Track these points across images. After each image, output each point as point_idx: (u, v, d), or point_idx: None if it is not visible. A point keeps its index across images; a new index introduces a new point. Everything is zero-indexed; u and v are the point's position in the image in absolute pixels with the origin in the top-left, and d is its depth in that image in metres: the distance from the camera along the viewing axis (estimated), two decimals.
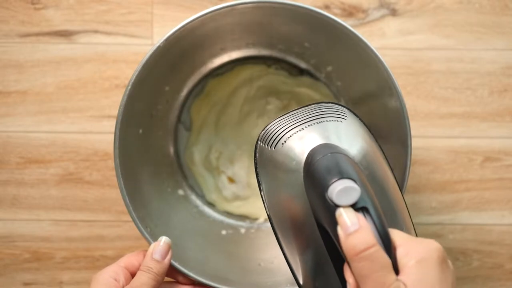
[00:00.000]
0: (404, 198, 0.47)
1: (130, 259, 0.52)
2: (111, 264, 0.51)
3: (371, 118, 0.62)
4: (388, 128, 0.57)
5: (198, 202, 0.68)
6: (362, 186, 0.40)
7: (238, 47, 0.65)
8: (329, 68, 0.64)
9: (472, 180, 0.69)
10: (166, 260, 0.50)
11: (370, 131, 0.48)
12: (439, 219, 0.69)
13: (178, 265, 0.53)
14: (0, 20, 0.68)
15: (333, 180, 0.40)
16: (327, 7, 0.68)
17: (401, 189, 0.53)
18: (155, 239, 0.52)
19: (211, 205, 0.68)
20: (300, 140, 0.46)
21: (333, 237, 0.40)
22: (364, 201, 0.40)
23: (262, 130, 0.48)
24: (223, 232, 0.66)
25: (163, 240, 0.51)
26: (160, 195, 0.63)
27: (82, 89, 0.68)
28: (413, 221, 0.47)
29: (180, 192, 0.67)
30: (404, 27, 0.68)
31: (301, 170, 0.44)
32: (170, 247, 0.51)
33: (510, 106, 0.69)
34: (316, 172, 0.42)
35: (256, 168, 0.48)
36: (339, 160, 0.42)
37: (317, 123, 0.46)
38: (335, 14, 0.68)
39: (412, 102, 0.68)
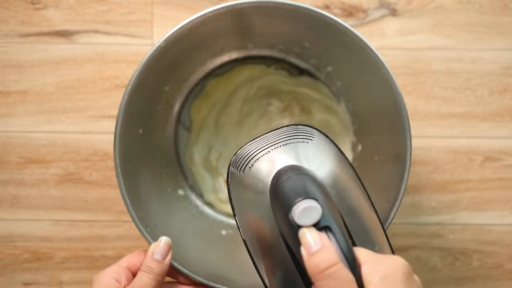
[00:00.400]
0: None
1: (131, 259, 0.51)
2: (112, 265, 0.51)
3: (371, 118, 0.62)
4: (388, 128, 0.57)
5: (198, 202, 0.68)
6: (325, 205, 0.40)
7: (238, 47, 0.65)
8: (329, 68, 0.64)
9: (472, 180, 0.69)
10: (167, 260, 0.50)
11: (341, 152, 0.48)
12: (439, 219, 0.69)
13: (178, 265, 0.53)
14: (0, 20, 0.68)
15: (296, 201, 0.40)
16: (327, 7, 0.68)
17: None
18: (155, 239, 0.52)
19: (210, 205, 0.68)
20: (267, 163, 0.46)
21: (298, 257, 0.41)
22: (326, 220, 0.40)
23: (234, 155, 0.49)
24: (223, 232, 0.66)
25: (163, 240, 0.51)
26: (160, 195, 0.63)
27: (82, 89, 0.68)
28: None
29: (180, 192, 0.67)
30: (404, 27, 0.68)
31: (268, 191, 0.45)
32: (170, 247, 0.51)
33: (510, 106, 0.69)
34: (281, 193, 0.42)
35: (229, 194, 0.48)
36: (303, 181, 0.42)
37: (284, 145, 0.47)
38: (335, 14, 0.68)
39: (412, 102, 0.68)
